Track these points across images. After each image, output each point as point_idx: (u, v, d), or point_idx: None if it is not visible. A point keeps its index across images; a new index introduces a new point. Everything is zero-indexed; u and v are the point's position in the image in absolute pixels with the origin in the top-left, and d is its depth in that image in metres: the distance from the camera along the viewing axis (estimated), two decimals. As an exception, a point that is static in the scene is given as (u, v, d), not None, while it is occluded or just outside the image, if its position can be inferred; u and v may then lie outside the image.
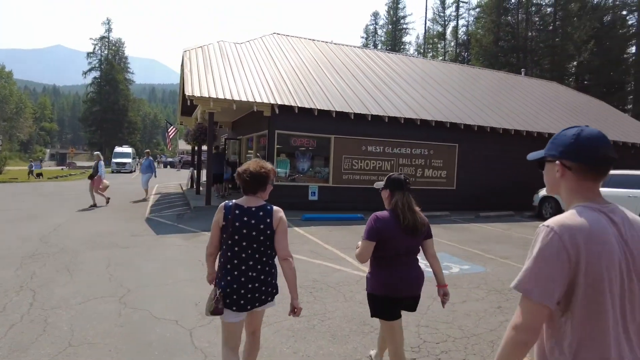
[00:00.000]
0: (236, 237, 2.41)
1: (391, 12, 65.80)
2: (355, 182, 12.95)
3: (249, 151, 16.01)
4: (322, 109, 12.07)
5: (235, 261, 2.41)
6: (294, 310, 2.51)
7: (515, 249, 8.18)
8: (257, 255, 2.43)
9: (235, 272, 2.40)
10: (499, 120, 15.30)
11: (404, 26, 65.31)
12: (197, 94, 10.88)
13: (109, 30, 72.11)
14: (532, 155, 1.43)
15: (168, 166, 50.07)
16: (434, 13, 72.43)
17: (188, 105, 17.69)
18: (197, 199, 13.07)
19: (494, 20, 41.86)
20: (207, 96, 10.92)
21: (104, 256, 6.43)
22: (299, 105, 11.81)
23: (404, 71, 17.70)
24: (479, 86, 18.83)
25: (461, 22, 56.79)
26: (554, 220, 1.20)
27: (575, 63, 36.83)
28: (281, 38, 17.16)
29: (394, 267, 2.65)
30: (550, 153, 1.32)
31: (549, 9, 41.19)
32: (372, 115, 12.71)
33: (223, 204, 2.53)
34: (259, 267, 2.44)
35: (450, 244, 8.34)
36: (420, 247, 2.77)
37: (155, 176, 15.57)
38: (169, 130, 19.59)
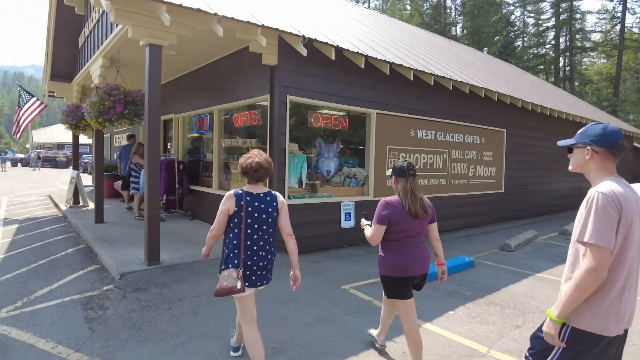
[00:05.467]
0: (249, 220, 2.59)
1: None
2: (406, 191, 7.63)
3: (193, 134, 9.45)
4: (373, 56, 6.42)
5: (248, 242, 2.59)
6: (295, 280, 2.73)
7: None
8: (265, 236, 2.65)
9: (248, 252, 2.59)
10: (539, 99, 11.43)
11: None
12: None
13: None
14: (562, 142, 1.91)
15: (19, 164, 37.06)
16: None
17: (67, 57, 9.83)
18: (112, 242, 6.34)
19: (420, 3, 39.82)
20: (157, -2, 4.42)
21: None
22: (339, 46, 5.98)
23: (419, 35, 12.79)
24: (482, 61, 14.93)
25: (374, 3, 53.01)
26: (602, 189, 1.64)
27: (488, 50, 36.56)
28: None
29: (403, 249, 2.78)
30: (582, 141, 1.78)
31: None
32: (436, 76, 7.50)
33: (232, 192, 2.63)
34: (267, 247, 2.66)
35: None
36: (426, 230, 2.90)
37: None
38: (27, 105, 10.69)
